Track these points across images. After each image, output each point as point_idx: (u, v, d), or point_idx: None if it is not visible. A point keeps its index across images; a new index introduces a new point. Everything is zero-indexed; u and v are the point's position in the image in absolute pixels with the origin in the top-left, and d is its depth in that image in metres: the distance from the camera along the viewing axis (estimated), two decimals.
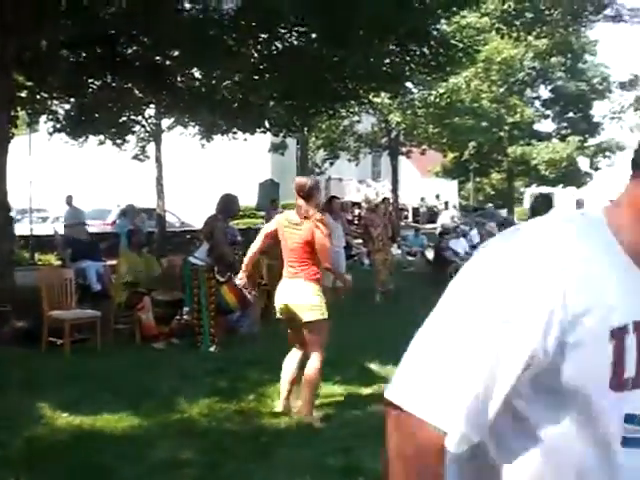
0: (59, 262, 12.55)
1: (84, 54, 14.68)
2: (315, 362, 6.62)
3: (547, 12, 23.14)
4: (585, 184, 46.86)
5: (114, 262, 12.61)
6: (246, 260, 7.48)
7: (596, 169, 47.31)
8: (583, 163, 46.49)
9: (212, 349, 9.77)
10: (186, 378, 8.23)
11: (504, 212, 47.90)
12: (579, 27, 26.43)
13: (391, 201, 28.89)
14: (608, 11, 23.94)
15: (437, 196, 41.79)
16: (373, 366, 8.77)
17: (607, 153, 46.53)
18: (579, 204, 16.52)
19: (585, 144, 44.45)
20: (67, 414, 6.83)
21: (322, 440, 6.19)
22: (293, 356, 6.93)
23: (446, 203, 34.23)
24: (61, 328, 9.67)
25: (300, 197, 6.71)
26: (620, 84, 29.60)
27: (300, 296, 6.56)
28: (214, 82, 16.89)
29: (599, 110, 41.23)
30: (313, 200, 6.74)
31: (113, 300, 11.06)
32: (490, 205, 40.28)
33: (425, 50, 15.83)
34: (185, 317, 11.07)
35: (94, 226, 21.63)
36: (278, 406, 6.95)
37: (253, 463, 5.73)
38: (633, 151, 1.51)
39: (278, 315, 6.87)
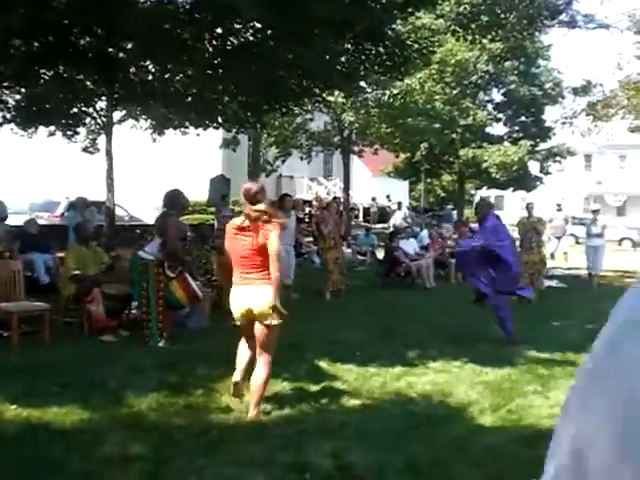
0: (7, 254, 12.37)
1: (36, 43, 14.49)
2: (263, 370, 6.72)
3: (503, 16, 23.31)
4: (535, 188, 47.32)
5: (63, 254, 12.48)
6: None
7: (546, 173, 47.80)
8: (534, 167, 46.96)
9: (161, 344, 9.71)
10: (135, 372, 8.17)
11: (454, 213, 48.30)
12: (534, 32, 26.65)
13: (342, 200, 28.99)
14: (563, 16, 24.18)
15: (388, 196, 41.97)
16: (322, 364, 8.81)
17: (558, 158, 47.06)
18: (528, 208, 16.66)
19: (536, 148, 44.87)
20: (15, 406, 6.77)
21: (271, 436, 6.20)
22: (246, 344, 7.05)
23: (399, 203, 34.38)
24: (9, 320, 9.55)
25: (247, 202, 6.71)
26: (573, 89, 29.91)
27: (262, 300, 6.58)
28: (167, 76, 16.77)
29: (551, 115, 41.64)
30: (259, 205, 6.70)
31: (61, 293, 10.93)
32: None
33: (380, 50, 15.87)
34: (134, 311, 11.01)
35: (43, 218, 21.38)
36: (234, 375, 7.03)
37: (202, 458, 5.72)
38: None
39: (237, 322, 6.94)
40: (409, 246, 18.90)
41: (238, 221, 6.81)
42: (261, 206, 6.61)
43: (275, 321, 6.61)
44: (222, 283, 11.12)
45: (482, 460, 5.79)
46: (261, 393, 6.74)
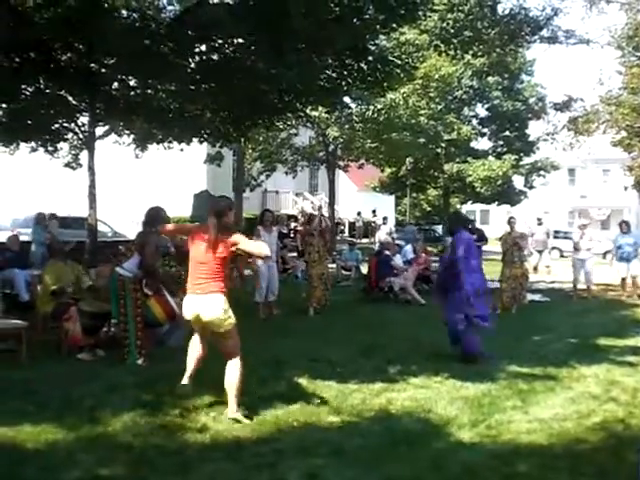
0: None
1: (18, 59, 14.43)
2: (235, 370, 7.12)
3: (484, 31, 23.39)
4: (520, 202, 47.54)
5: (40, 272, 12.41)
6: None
7: (530, 187, 48.03)
8: (518, 181, 47.16)
9: (139, 362, 9.63)
10: (111, 391, 8.09)
11: (439, 228, 48.40)
12: (516, 47, 26.75)
13: (327, 215, 28.97)
14: (544, 32, 24.29)
15: (374, 211, 41.98)
16: (302, 381, 8.75)
17: (542, 172, 47.29)
18: (510, 223, 16.67)
19: (520, 163, 45.10)
20: None
21: (246, 455, 6.14)
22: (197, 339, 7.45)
23: (384, 218, 34.38)
24: None
25: (213, 216, 7.04)
26: (554, 105, 30.00)
27: (212, 310, 6.97)
28: (150, 91, 16.73)
29: (535, 130, 41.87)
30: (225, 220, 7.10)
31: (38, 310, 10.85)
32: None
33: (363, 65, 15.87)
34: (112, 329, 10.92)
35: (26, 235, 21.24)
36: (183, 380, 7.40)
37: (177, 477, 5.68)
38: None
39: (189, 323, 7.35)
40: (394, 261, 18.86)
41: (202, 231, 7.10)
42: (214, 221, 6.99)
43: (227, 327, 7.04)
44: None
45: (459, 478, 5.75)
46: (237, 392, 7.09)
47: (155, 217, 9.55)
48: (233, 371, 7.10)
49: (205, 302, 6.96)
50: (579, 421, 7.31)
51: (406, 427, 7.05)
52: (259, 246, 7.28)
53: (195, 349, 7.46)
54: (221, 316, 6.95)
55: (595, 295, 19.59)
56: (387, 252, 19.17)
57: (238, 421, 6.94)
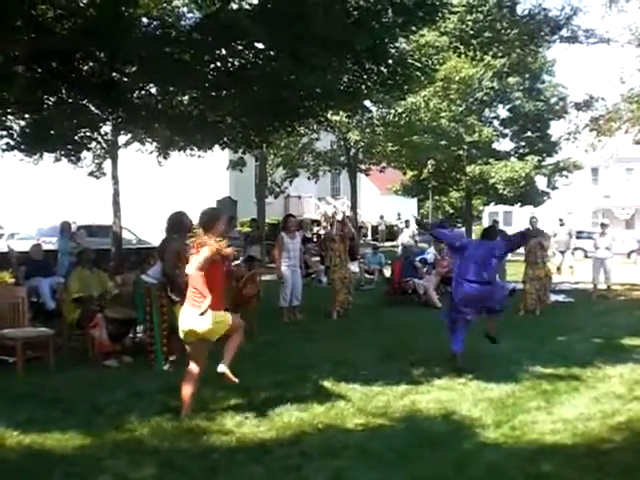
0: (13, 280, 12.42)
1: (39, 70, 14.55)
2: (237, 338, 7.41)
3: (504, 32, 23.37)
4: (543, 203, 47.24)
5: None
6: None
7: (553, 188, 47.74)
8: (541, 182, 46.89)
9: (165, 367, 9.71)
10: (138, 396, 8.18)
11: (462, 230, 48.23)
12: (535, 47, 26.69)
13: (351, 218, 28.98)
14: (564, 32, 24.21)
15: (399, 214, 41.95)
16: (326, 384, 8.79)
17: (564, 172, 46.98)
18: (532, 222, 16.65)
19: (543, 163, 44.83)
20: (17, 433, 6.79)
21: (272, 457, 6.19)
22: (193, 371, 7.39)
23: (406, 222, 34.34)
24: (14, 346, 9.58)
25: (200, 228, 7.18)
26: (575, 104, 29.85)
27: (202, 323, 7.04)
28: (171, 98, 16.82)
29: (557, 130, 41.59)
30: (212, 231, 7.17)
31: (65, 318, 10.96)
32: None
33: (382, 69, 15.87)
34: (139, 335, 11.00)
35: (51, 243, 21.42)
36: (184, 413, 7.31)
37: None
38: None
39: (182, 336, 7.36)
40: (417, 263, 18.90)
41: (192, 247, 7.18)
42: (201, 238, 7.08)
43: (222, 332, 7.23)
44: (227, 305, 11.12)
45: (483, 478, 5.77)
46: (233, 353, 7.33)
47: (177, 223, 9.61)
48: (236, 337, 7.37)
49: (196, 315, 7.01)
50: (603, 421, 7.31)
51: (430, 428, 7.07)
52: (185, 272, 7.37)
53: (188, 386, 7.38)
54: (213, 327, 7.05)
55: (618, 294, 19.51)
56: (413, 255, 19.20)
57: (213, 430, 6.95)
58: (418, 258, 19.58)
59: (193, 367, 7.34)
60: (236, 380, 7.30)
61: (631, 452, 6.41)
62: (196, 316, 6.97)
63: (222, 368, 7.25)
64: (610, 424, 7.20)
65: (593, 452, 6.36)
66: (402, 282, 17.80)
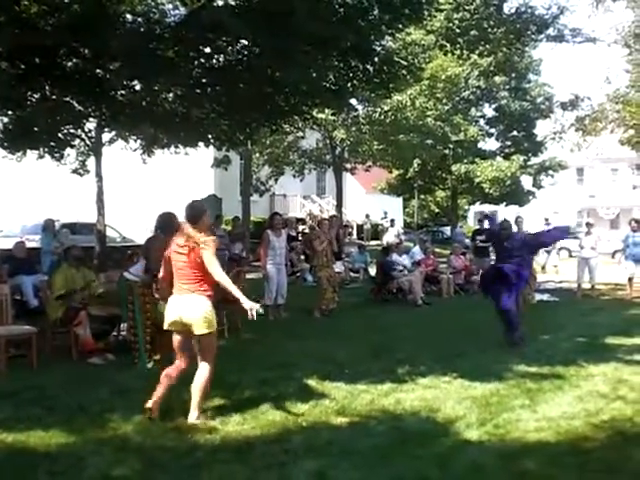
0: None
1: (23, 66, 14.45)
2: (205, 371, 7.11)
3: (490, 30, 23.42)
4: (528, 202, 47.41)
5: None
6: (160, 284, 7.87)
7: (539, 187, 47.90)
8: (526, 181, 47.04)
9: (149, 365, 9.67)
10: (121, 394, 8.16)
11: (447, 229, 48.35)
12: (522, 46, 26.77)
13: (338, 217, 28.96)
14: (550, 31, 24.30)
15: (385, 213, 41.98)
16: (310, 382, 8.77)
17: (550, 172, 47.16)
18: (517, 222, 16.68)
19: (528, 163, 45.00)
20: (0, 431, 6.74)
21: (256, 455, 6.17)
22: (175, 368, 7.28)
23: (392, 220, 34.31)
24: None
25: (187, 221, 7.10)
26: (561, 104, 30.00)
27: (192, 310, 6.95)
28: (155, 95, 16.72)
29: (542, 129, 41.76)
30: (200, 224, 7.10)
31: (48, 315, 10.89)
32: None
33: (368, 67, 15.85)
34: (123, 333, 10.96)
35: (34, 241, 21.34)
36: (147, 403, 7.17)
37: (188, 478, 5.73)
38: None
39: (167, 327, 7.20)
40: (401, 262, 18.89)
41: (179, 240, 7.07)
42: (191, 231, 6.97)
43: (205, 330, 6.97)
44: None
45: (466, 476, 5.77)
46: (200, 396, 7.10)
47: (167, 223, 9.57)
48: (202, 375, 7.11)
49: (187, 302, 6.97)
50: (587, 419, 7.30)
51: (414, 427, 7.06)
52: (218, 271, 6.97)
53: (167, 379, 7.27)
54: (202, 317, 6.92)
55: (602, 294, 19.57)
56: (394, 254, 19.18)
57: (197, 428, 6.87)
58: (409, 260, 19.59)
59: (178, 363, 7.28)
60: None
61: (614, 450, 6.41)
62: (191, 302, 6.94)
63: (193, 420, 7.06)
64: (593, 423, 7.19)
65: (576, 450, 6.36)
66: (384, 281, 17.88)
